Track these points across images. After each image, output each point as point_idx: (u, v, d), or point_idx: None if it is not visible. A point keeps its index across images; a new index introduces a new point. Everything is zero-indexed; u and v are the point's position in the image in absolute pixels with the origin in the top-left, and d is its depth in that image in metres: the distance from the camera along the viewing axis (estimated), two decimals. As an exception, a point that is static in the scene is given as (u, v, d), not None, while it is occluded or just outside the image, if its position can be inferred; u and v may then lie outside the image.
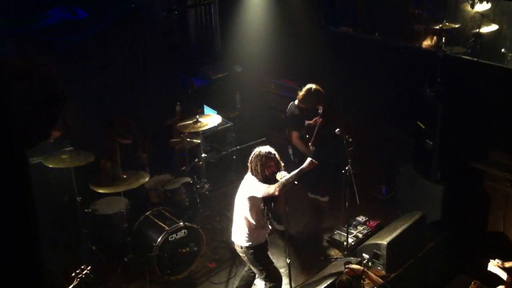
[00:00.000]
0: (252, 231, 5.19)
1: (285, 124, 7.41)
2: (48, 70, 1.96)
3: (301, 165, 7.18)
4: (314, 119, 7.07)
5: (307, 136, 7.16)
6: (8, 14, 6.48)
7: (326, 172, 7.22)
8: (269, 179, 5.10)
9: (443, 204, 6.68)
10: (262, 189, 5.04)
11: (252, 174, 5.13)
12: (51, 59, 6.56)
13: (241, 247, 5.29)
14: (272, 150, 5.19)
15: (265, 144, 5.42)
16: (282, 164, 5.22)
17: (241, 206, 5.21)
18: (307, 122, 7.11)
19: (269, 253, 5.56)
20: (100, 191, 6.05)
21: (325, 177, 7.50)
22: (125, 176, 6.09)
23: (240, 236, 5.28)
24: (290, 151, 7.34)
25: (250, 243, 5.23)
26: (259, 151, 5.14)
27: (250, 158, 5.18)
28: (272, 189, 5.00)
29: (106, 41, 7.07)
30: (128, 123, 6.66)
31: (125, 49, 7.30)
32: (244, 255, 5.33)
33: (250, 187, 5.11)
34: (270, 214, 5.23)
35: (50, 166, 6.02)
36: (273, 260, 5.59)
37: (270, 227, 5.45)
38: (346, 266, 5.39)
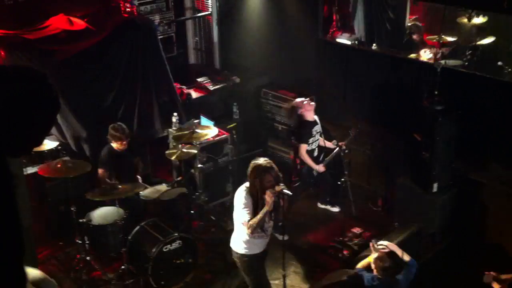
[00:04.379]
0: (249, 240, 5.14)
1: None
2: (39, 73, 1.96)
3: (310, 175, 7.21)
4: (341, 143, 7.09)
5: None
6: (7, 23, 6.50)
7: (336, 182, 7.18)
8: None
9: (440, 216, 6.67)
10: (241, 215, 5.03)
11: (250, 185, 5.05)
12: (49, 68, 6.56)
13: (236, 253, 5.26)
14: (272, 164, 5.00)
15: (262, 155, 5.34)
16: (281, 175, 5.09)
17: (236, 215, 5.18)
18: (340, 143, 7.11)
19: (265, 265, 5.49)
20: (96, 199, 6.03)
21: (337, 188, 7.42)
22: (120, 187, 6.09)
23: (236, 243, 5.25)
24: (298, 160, 7.33)
25: (246, 251, 5.19)
26: (258, 165, 4.97)
27: (248, 170, 5.05)
28: (245, 225, 4.99)
29: (104, 51, 7.08)
30: (122, 127, 6.61)
31: (123, 60, 7.28)
32: (238, 261, 5.30)
33: (238, 203, 5.08)
34: (264, 226, 5.15)
35: (46, 176, 6.00)
36: (268, 274, 5.53)
37: (267, 239, 5.38)
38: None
